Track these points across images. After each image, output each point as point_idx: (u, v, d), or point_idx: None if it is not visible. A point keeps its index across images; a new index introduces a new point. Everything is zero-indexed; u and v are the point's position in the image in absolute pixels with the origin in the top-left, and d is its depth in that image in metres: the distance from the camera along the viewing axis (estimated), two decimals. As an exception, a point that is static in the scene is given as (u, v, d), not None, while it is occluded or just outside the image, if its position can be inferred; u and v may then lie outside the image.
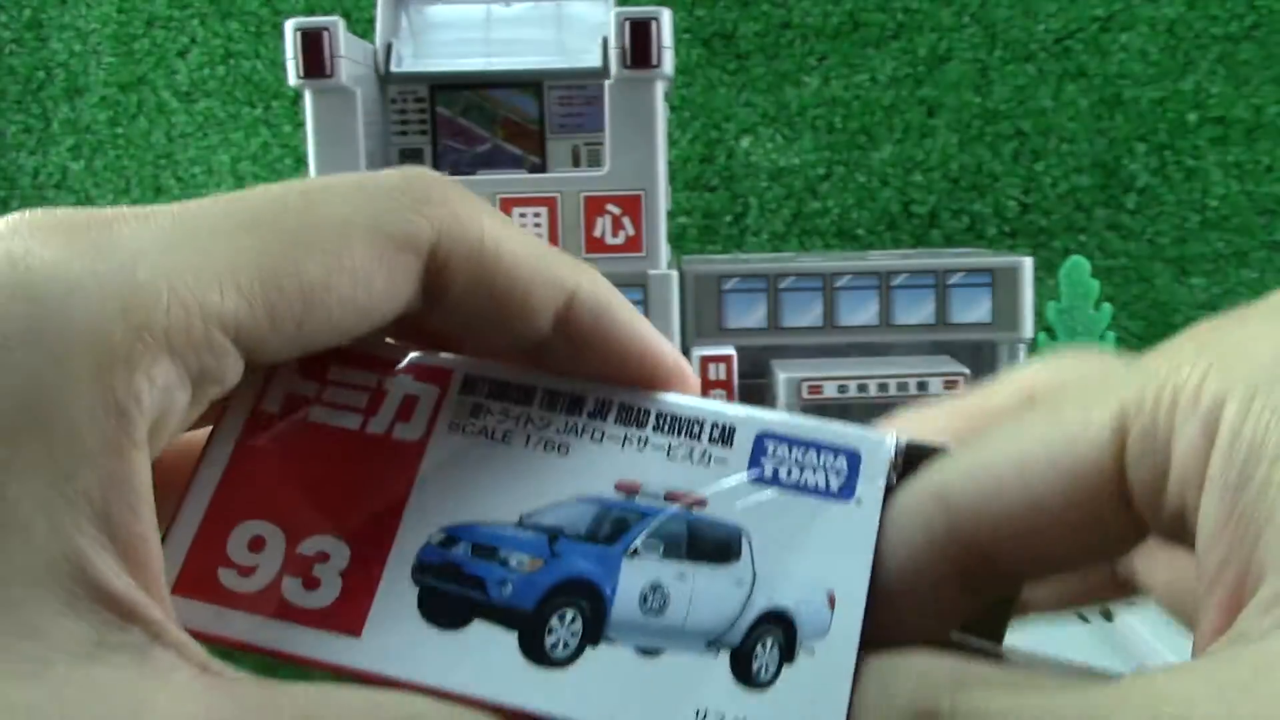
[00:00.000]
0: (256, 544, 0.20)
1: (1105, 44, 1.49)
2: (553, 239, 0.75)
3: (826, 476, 0.21)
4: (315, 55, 0.73)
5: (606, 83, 0.75)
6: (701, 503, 0.21)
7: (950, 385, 0.74)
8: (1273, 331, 0.15)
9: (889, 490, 0.20)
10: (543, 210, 0.75)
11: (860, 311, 0.81)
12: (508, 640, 0.20)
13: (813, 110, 1.52)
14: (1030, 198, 1.50)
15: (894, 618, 0.18)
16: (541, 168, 0.87)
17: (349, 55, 0.75)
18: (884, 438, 0.21)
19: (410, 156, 0.88)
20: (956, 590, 0.18)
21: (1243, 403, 0.14)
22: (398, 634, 0.20)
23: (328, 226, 0.17)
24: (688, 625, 0.21)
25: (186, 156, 1.55)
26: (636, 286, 0.75)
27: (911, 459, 0.20)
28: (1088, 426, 0.16)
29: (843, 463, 0.21)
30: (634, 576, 0.21)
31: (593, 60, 0.85)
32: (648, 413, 0.22)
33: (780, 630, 0.20)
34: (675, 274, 0.76)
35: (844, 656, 0.19)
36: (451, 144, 0.88)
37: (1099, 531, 0.16)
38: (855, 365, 0.76)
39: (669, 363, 0.22)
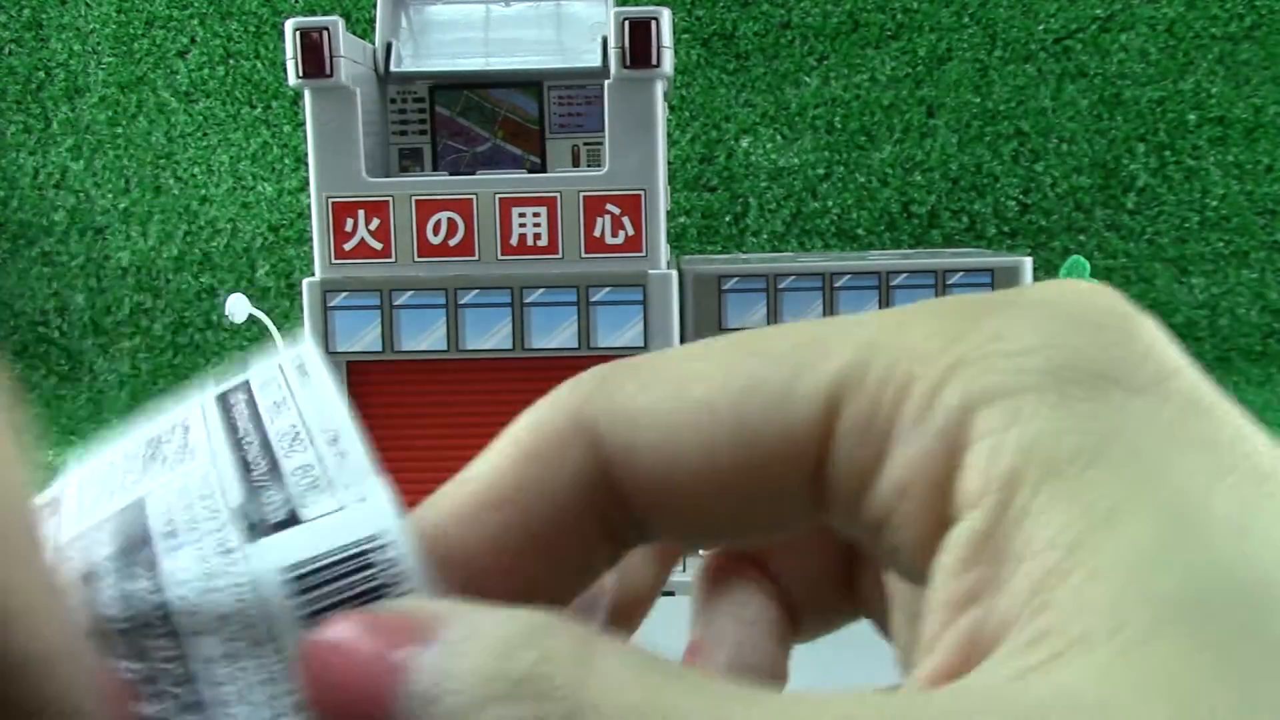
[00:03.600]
0: None
1: (1105, 44, 1.50)
2: (552, 239, 0.75)
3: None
4: (315, 55, 0.73)
5: (606, 83, 0.75)
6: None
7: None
8: (1037, 328, 0.12)
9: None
10: (542, 210, 0.75)
11: (860, 311, 0.81)
12: None
13: (813, 110, 1.52)
14: (1030, 198, 1.51)
15: (514, 562, 0.14)
16: (541, 168, 0.87)
17: (349, 55, 0.75)
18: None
19: (410, 156, 0.88)
20: (596, 539, 0.14)
21: (1003, 416, 0.11)
22: None
23: None
24: None
25: (186, 156, 1.55)
26: (636, 286, 0.75)
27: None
28: (793, 388, 0.13)
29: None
30: None
31: (593, 60, 0.85)
32: None
33: None
34: (675, 274, 0.76)
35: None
36: (451, 144, 0.88)
37: (779, 509, 0.13)
38: (855, 365, 0.76)
39: None
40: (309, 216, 0.77)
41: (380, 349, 0.75)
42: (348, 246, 0.75)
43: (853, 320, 0.13)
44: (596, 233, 0.75)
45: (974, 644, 0.11)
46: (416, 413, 0.77)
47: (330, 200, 0.75)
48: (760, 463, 0.13)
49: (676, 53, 0.80)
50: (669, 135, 1.41)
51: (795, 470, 0.13)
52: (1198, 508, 0.11)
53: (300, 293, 0.78)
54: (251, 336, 1.48)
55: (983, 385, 0.12)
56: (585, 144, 0.88)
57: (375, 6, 0.88)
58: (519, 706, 0.11)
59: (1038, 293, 0.12)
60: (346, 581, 0.13)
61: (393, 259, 0.75)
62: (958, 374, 0.12)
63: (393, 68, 0.86)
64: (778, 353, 0.13)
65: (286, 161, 1.54)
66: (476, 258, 0.75)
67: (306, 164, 0.76)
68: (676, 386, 0.13)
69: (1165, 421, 0.11)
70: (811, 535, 0.16)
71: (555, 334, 0.75)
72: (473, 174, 0.82)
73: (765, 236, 1.50)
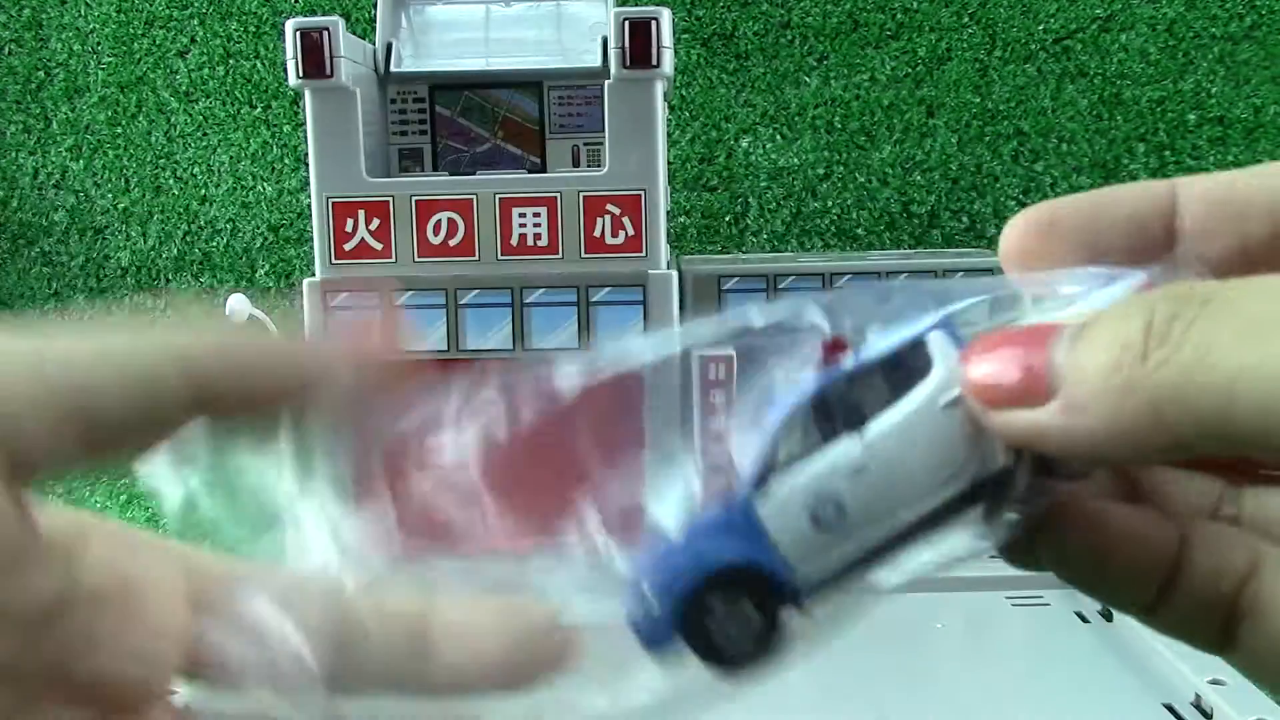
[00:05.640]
0: None
1: (1105, 44, 1.49)
2: (553, 239, 0.75)
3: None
4: (315, 55, 0.73)
5: (606, 83, 0.75)
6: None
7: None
8: None
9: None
10: (542, 210, 0.75)
11: (860, 311, 0.80)
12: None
13: (813, 110, 1.52)
14: (1030, 198, 1.50)
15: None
16: (541, 168, 0.87)
17: (349, 55, 0.75)
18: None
19: (410, 157, 0.88)
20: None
21: None
22: None
23: None
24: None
25: (186, 156, 1.55)
26: (636, 286, 0.75)
27: None
28: None
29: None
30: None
31: (593, 60, 0.85)
32: None
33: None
34: (675, 274, 0.76)
35: None
36: (451, 144, 0.88)
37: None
38: (855, 365, 0.76)
39: None
40: (309, 216, 0.77)
41: (380, 349, 0.75)
42: (348, 246, 0.75)
43: None
44: (596, 233, 0.75)
45: None
46: (416, 413, 0.77)
47: (330, 200, 0.75)
48: None
49: (676, 53, 0.80)
50: (669, 135, 1.41)
51: None
52: None
53: (300, 293, 0.78)
54: (251, 336, 1.48)
55: None
56: (585, 144, 0.88)
57: (375, 6, 0.88)
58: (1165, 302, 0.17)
59: None
60: None
61: (393, 259, 0.75)
62: None
63: (393, 68, 0.86)
64: None
65: (286, 161, 1.54)
66: (476, 258, 0.75)
67: (306, 164, 0.76)
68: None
69: None
70: None
71: (555, 334, 0.75)
72: (472, 174, 0.82)
73: (765, 236, 1.50)
